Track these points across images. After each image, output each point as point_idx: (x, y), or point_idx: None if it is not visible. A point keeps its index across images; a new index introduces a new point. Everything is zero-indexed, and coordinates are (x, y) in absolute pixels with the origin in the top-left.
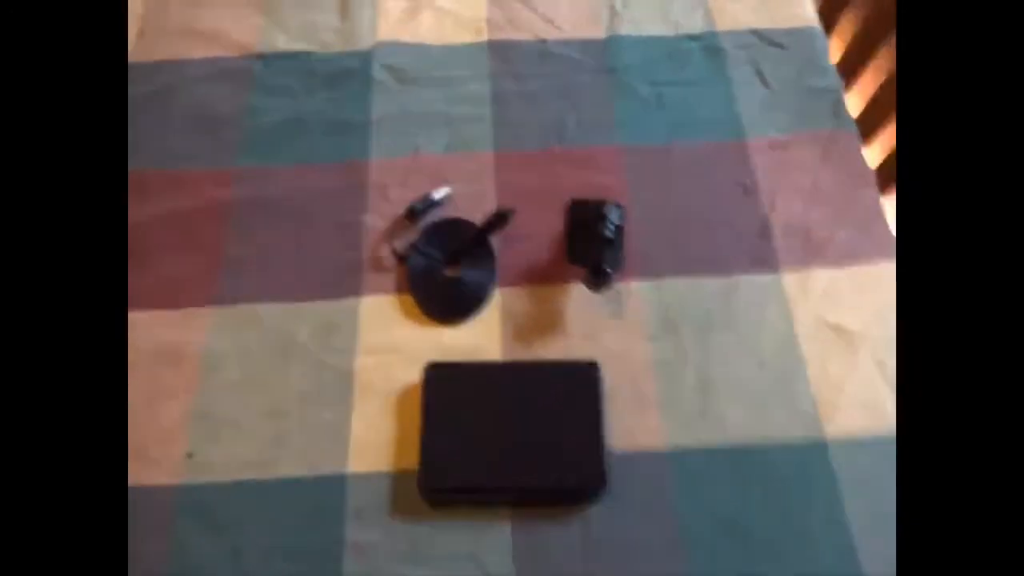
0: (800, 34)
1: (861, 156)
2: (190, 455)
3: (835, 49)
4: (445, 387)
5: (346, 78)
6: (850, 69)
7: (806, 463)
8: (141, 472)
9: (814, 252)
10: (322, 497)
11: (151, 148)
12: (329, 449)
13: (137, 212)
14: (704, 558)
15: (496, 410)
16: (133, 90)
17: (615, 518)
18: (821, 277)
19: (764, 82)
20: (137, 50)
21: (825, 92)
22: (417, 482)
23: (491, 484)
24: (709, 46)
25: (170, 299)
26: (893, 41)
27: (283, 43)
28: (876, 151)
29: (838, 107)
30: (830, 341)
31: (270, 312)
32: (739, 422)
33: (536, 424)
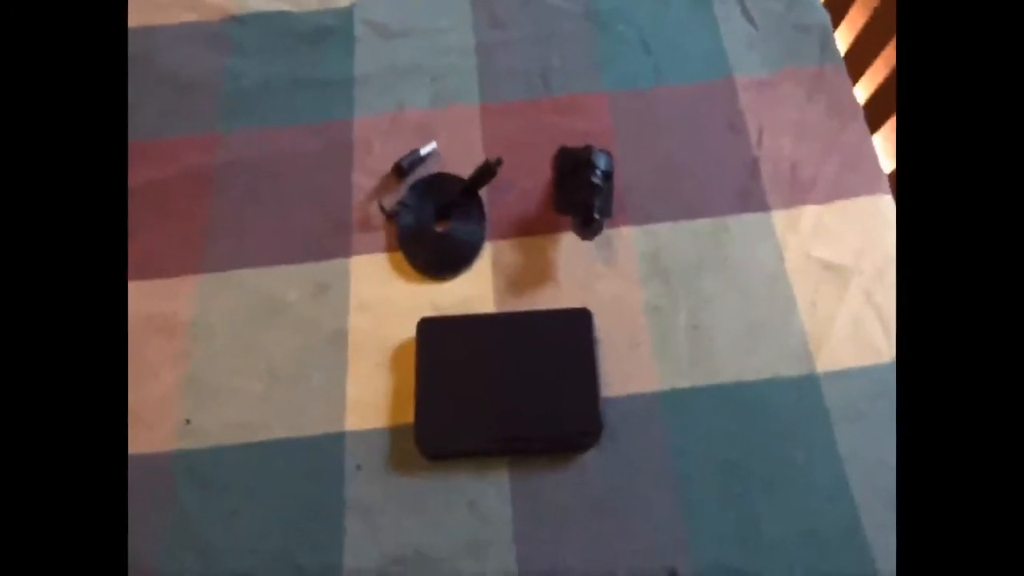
0: None
1: (849, 92)
2: (188, 421)
3: None
4: (438, 342)
5: (326, 36)
6: (839, 4)
7: (798, 397)
8: (139, 439)
9: (802, 189)
10: (320, 456)
11: (130, 117)
12: (325, 408)
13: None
14: (701, 496)
15: (490, 362)
16: None
17: (612, 462)
18: (810, 213)
19: (750, 20)
20: None
21: (812, 28)
22: (415, 440)
23: (489, 437)
24: None
25: (158, 268)
26: None
27: (259, 3)
28: (865, 86)
29: (826, 43)
30: (820, 276)
31: (259, 276)
32: (732, 361)
33: (530, 374)
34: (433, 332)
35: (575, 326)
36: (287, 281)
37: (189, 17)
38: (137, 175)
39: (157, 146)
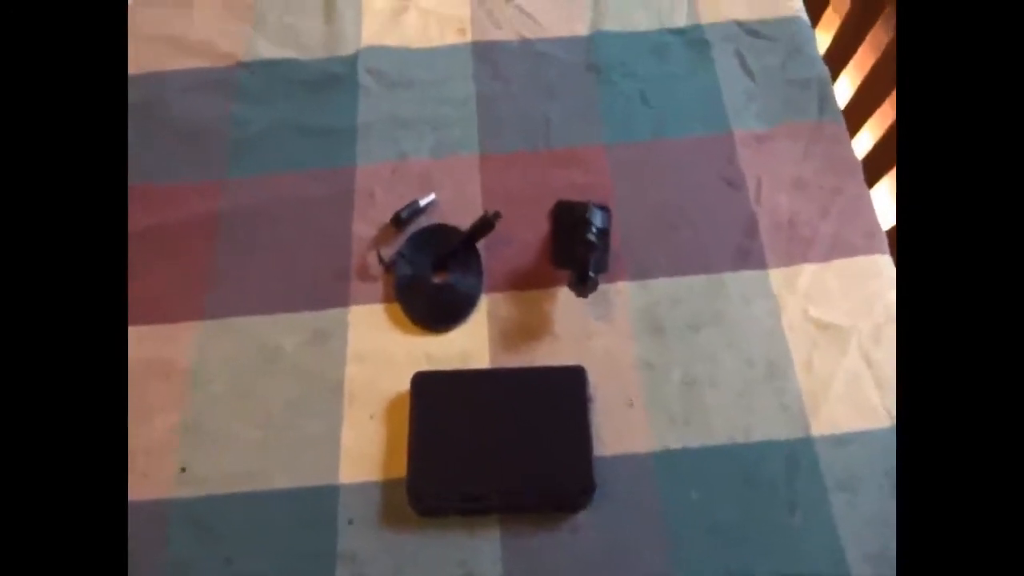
0: (786, 24)
1: (848, 147)
2: (183, 470)
3: (822, 39)
4: (433, 397)
5: (331, 84)
6: (838, 59)
7: (793, 461)
8: (135, 486)
9: (800, 246)
10: (314, 507)
11: (136, 161)
12: (320, 459)
13: None
14: (691, 559)
15: (484, 419)
16: None
17: (603, 522)
18: (807, 272)
19: (749, 74)
20: None
21: (811, 83)
22: (407, 496)
23: (480, 494)
24: (693, 39)
25: (159, 313)
26: (880, 29)
27: (267, 50)
28: (864, 140)
29: (824, 98)
30: (817, 336)
31: (258, 324)
32: (726, 420)
33: (524, 432)
34: (427, 387)
35: (569, 383)
36: (286, 329)
37: (199, 63)
38: (142, 220)
39: (163, 191)
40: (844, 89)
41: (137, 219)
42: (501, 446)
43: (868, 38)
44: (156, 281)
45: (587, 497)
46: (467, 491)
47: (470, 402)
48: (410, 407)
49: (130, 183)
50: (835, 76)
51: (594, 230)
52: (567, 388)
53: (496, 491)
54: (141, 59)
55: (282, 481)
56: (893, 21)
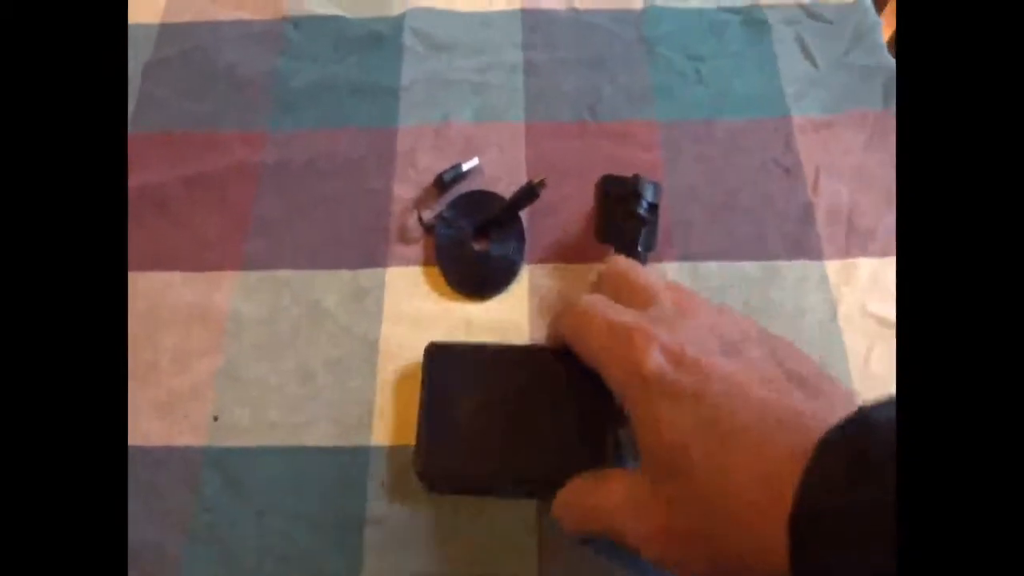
0: (849, 9)
1: None
2: (215, 418)
3: (889, 26)
4: (446, 370)
5: (376, 43)
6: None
7: None
8: (170, 431)
9: (859, 239)
10: (344, 468)
11: (180, 109)
12: (353, 419)
13: (167, 172)
14: None
15: (499, 396)
16: (163, 51)
17: None
18: (866, 265)
19: (810, 58)
20: (168, 10)
21: (875, 71)
22: (416, 473)
23: (494, 477)
24: (751, 19)
25: (202, 261)
26: None
27: (314, 5)
28: None
29: (890, 88)
30: (875, 333)
31: (297, 278)
32: None
33: (542, 413)
34: (441, 358)
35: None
36: (324, 285)
37: (246, 15)
38: (188, 165)
39: (209, 138)
40: None
41: (182, 166)
42: (516, 427)
43: None
44: (200, 228)
45: None
46: (479, 476)
47: (485, 378)
48: (422, 379)
49: (175, 130)
50: None
51: (645, 204)
52: (590, 368)
53: (509, 475)
54: (185, 10)
55: (314, 438)
56: None
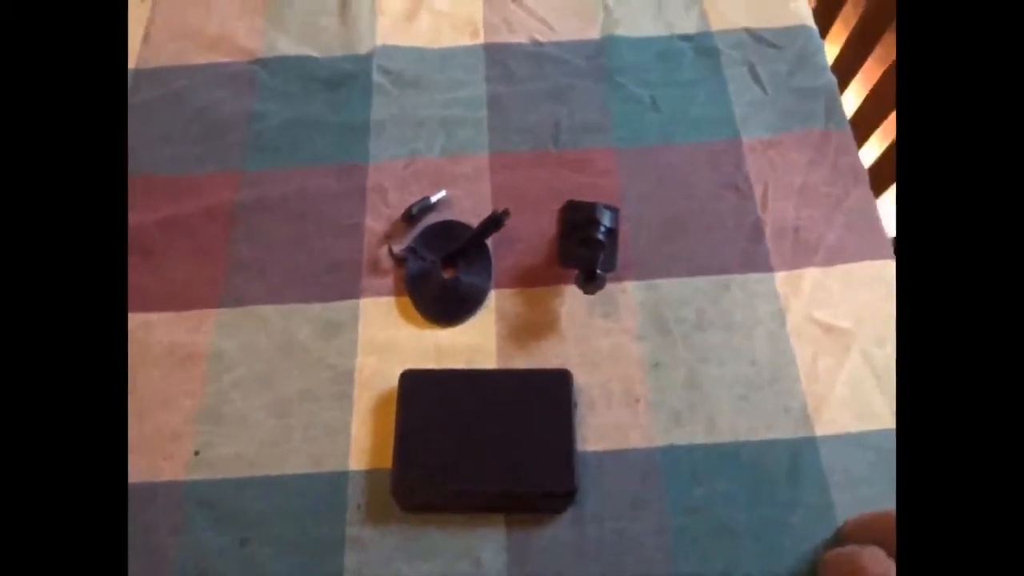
0: (794, 33)
1: (855, 156)
2: (197, 453)
3: (831, 49)
4: (420, 396)
5: (346, 82)
6: (846, 69)
7: (796, 460)
8: (152, 468)
9: (805, 252)
10: (324, 493)
11: (157, 153)
12: (331, 446)
13: (145, 216)
14: (693, 556)
15: (468, 419)
16: (139, 96)
17: (607, 515)
18: (812, 276)
19: (758, 81)
20: (142, 55)
21: (819, 91)
22: (391, 491)
23: (464, 494)
24: (703, 46)
25: (179, 301)
26: (888, 40)
27: (285, 47)
28: (872, 150)
29: (832, 106)
30: (820, 339)
31: (273, 313)
32: (730, 420)
33: (508, 433)
34: (415, 385)
35: (554, 386)
36: (300, 319)
37: (219, 58)
38: (165, 208)
39: (185, 181)
40: (850, 101)
41: (159, 208)
42: (484, 447)
43: (875, 51)
44: (177, 269)
45: (568, 500)
46: (448, 490)
47: (456, 402)
48: (396, 404)
49: (153, 173)
50: (842, 88)
51: (603, 229)
52: (553, 391)
53: (477, 492)
54: (164, 53)
55: (294, 467)
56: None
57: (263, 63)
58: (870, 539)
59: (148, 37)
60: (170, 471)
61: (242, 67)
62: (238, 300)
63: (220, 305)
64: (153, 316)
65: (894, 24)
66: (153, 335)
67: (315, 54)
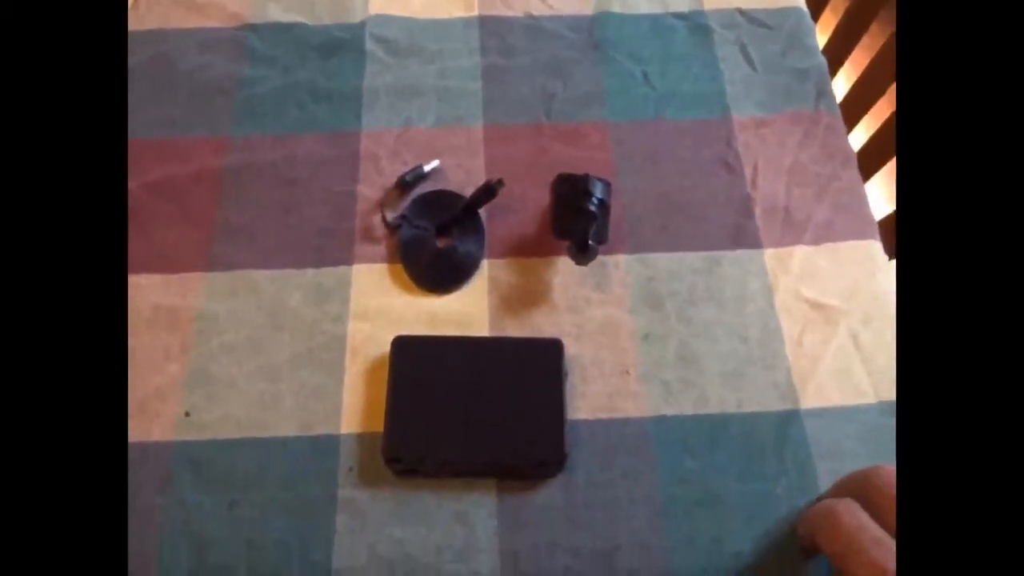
0: (786, 14)
1: (843, 138)
2: (187, 414)
3: (820, 37)
4: (411, 362)
5: (338, 49)
6: (835, 56)
7: (781, 432)
8: (140, 429)
9: (794, 230)
10: (315, 456)
11: (145, 117)
12: (322, 411)
13: (133, 180)
14: (681, 522)
15: (460, 386)
16: (128, 58)
17: (598, 482)
18: (800, 253)
19: (749, 61)
20: (132, 19)
21: (809, 72)
22: (383, 457)
23: (455, 460)
24: (696, 24)
25: (167, 264)
26: (877, 28)
27: (276, 13)
28: (861, 133)
29: (822, 88)
30: (808, 315)
31: (264, 278)
32: (718, 392)
33: (499, 400)
34: (407, 351)
35: (546, 355)
36: (291, 285)
37: (209, 23)
38: (153, 172)
39: (173, 145)
40: (839, 89)
41: (147, 172)
42: (475, 413)
43: (863, 39)
44: (165, 233)
45: (558, 467)
46: (443, 460)
47: (448, 368)
48: (388, 370)
49: (141, 137)
50: (832, 73)
51: (595, 200)
52: (545, 360)
53: (467, 458)
54: (149, 17)
55: (284, 429)
56: (887, 21)
57: (253, 28)
58: (847, 494)
59: (137, 2)
60: (158, 432)
61: (231, 32)
62: (228, 265)
63: (209, 269)
64: (142, 279)
65: (882, 12)
66: (143, 297)
67: (307, 21)
